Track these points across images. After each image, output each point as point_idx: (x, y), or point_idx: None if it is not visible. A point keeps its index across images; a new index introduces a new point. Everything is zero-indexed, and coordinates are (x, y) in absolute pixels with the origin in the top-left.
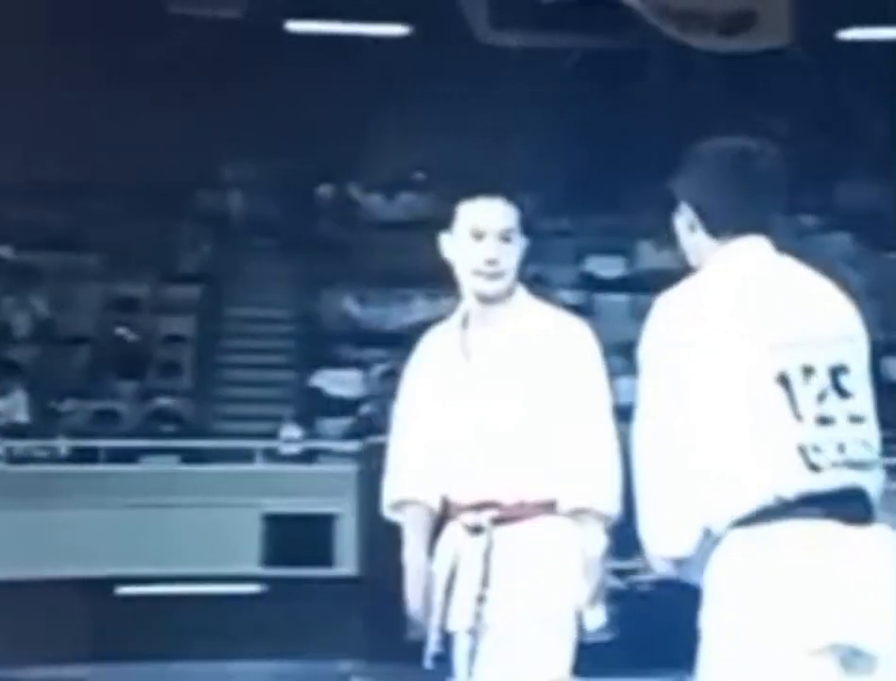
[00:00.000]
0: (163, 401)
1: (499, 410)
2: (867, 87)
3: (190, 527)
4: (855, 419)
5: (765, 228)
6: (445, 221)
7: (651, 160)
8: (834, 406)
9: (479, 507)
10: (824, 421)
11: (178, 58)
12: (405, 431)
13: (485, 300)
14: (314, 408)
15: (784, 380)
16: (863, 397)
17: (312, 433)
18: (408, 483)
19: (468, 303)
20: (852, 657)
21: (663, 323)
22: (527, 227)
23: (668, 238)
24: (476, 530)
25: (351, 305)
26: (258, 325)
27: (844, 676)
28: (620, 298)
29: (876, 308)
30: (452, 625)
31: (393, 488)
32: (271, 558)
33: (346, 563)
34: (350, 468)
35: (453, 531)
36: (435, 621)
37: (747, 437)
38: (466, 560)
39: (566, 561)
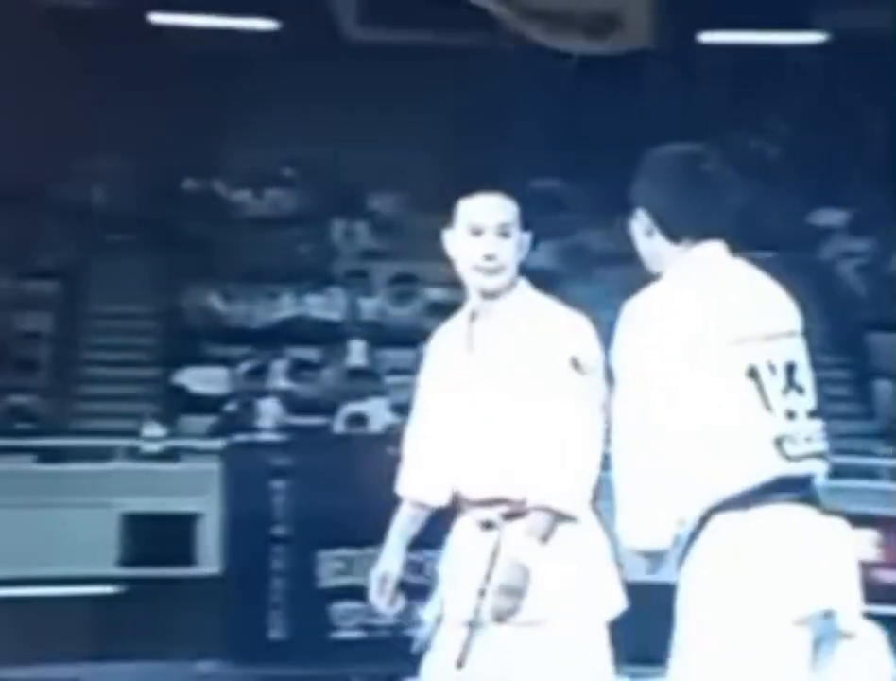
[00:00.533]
0: (18, 399)
1: (502, 404)
2: (726, 89)
3: (46, 528)
4: (812, 414)
5: (721, 232)
6: (314, 217)
7: (521, 157)
8: (794, 400)
9: (489, 503)
10: (790, 414)
11: (39, 49)
12: (414, 425)
13: (486, 294)
14: (176, 405)
15: (754, 374)
16: (811, 393)
17: (174, 431)
18: (405, 479)
19: (472, 298)
20: (824, 629)
21: (632, 326)
22: (526, 222)
23: (547, 237)
24: (487, 525)
25: (215, 302)
26: (119, 322)
27: (815, 649)
28: None
29: None
30: (449, 616)
31: (398, 482)
32: (131, 558)
33: (208, 562)
34: (213, 467)
35: (464, 526)
36: (434, 611)
37: (725, 429)
38: (474, 554)
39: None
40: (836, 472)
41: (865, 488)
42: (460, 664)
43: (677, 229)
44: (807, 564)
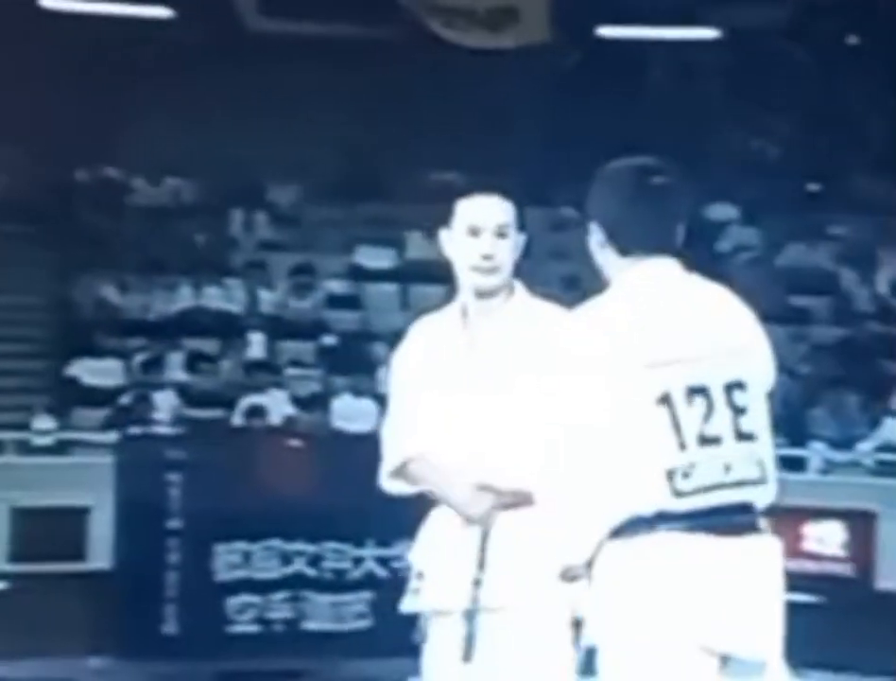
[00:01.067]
0: None
1: (500, 402)
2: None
3: None
4: (744, 436)
5: (672, 246)
6: (212, 208)
7: (421, 150)
8: (722, 424)
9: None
10: (708, 441)
11: None
12: (401, 419)
13: (482, 294)
14: (69, 398)
15: (666, 400)
16: (757, 413)
17: (66, 424)
18: (411, 444)
19: (464, 297)
20: (729, 660)
21: (566, 340)
22: (522, 223)
23: (436, 229)
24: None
25: (110, 293)
26: (10, 313)
27: (723, 675)
28: (389, 288)
29: None
30: (446, 606)
31: (396, 452)
32: (20, 553)
33: (99, 557)
34: (105, 460)
35: (444, 516)
36: (413, 604)
37: (618, 456)
38: (464, 543)
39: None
40: None
41: None
42: (467, 657)
43: (626, 242)
44: (698, 599)
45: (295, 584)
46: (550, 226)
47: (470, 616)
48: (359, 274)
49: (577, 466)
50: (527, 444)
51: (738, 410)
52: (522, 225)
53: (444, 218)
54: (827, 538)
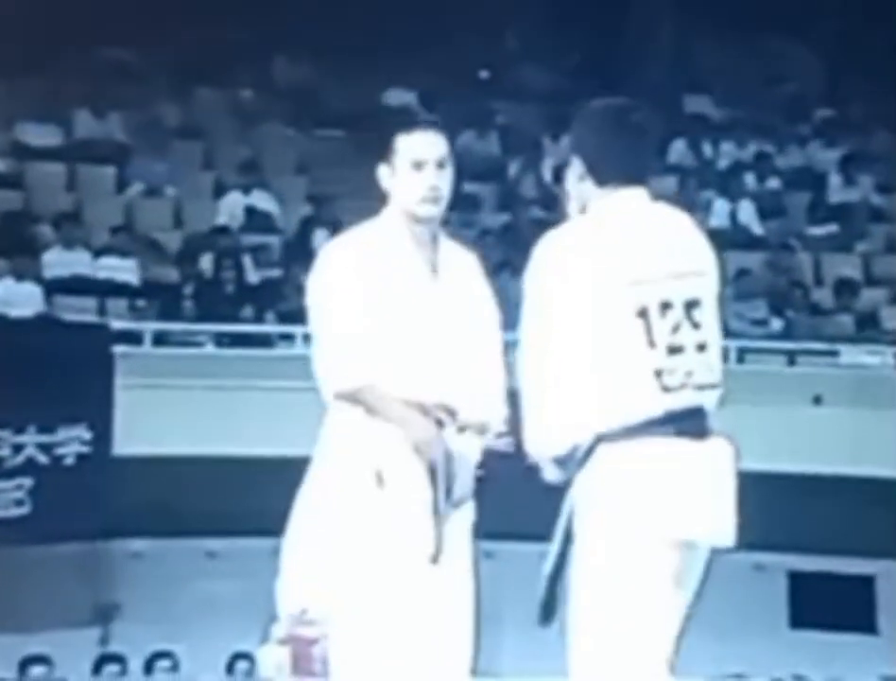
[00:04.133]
0: None
1: (463, 324)
2: None
3: None
4: (701, 347)
5: (644, 177)
6: None
7: (97, 27)
8: (685, 336)
9: (441, 409)
10: (675, 350)
11: None
12: (348, 334)
13: (423, 222)
14: None
15: (643, 313)
16: (710, 328)
17: None
18: (363, 371)
19: (400, 224)
20: (692, 545)
21: (542, 258)
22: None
23: (106, 107)
24: (438, 423)
25: None
26: None
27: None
28: (55, 168)
29: None
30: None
31: (346, 375)
32: None
33: None
34: None
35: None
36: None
37: (609, 364)
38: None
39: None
40: None
41: None
42: (435, 559)
43: (605, 174)
44: (675, 495)
45: None
46: None
47: (438, 518)
48: (23, 153)
49: (561, 371)
50: (491, 371)
51: (695, 325)
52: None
53: (113, 98)
54: None
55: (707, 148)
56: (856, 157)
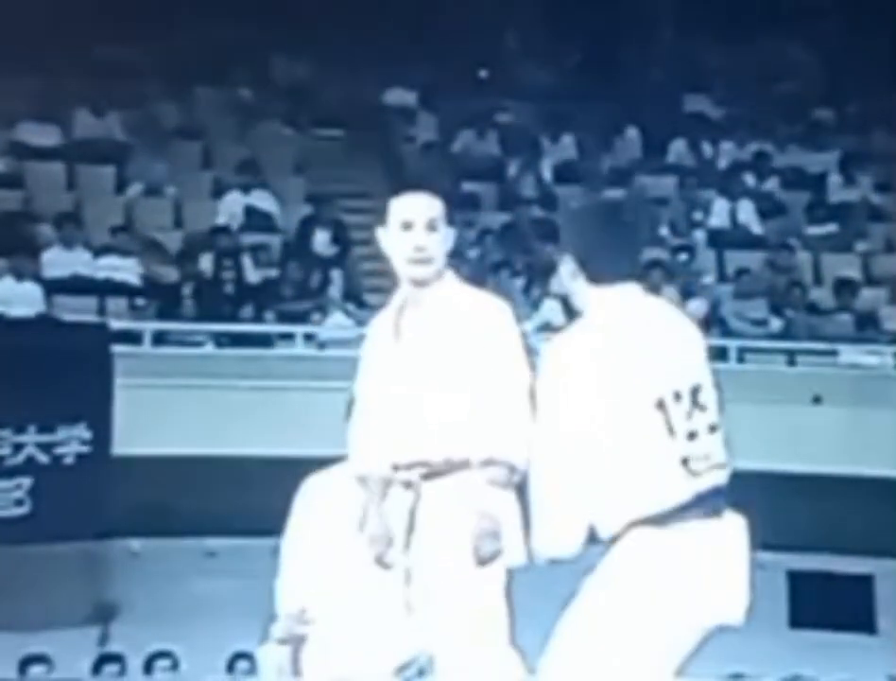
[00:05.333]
0: None
1: (427, 383)
2: None
3: None
4: (712, 428)
5: (636, 273)
6: None
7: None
8: (697, 421)
9: (412, 466)
10: (692, 435)
11: None
12: (359, 409)
13: (417, 284)
14: None
15: (661, 405)
16: (714, 407)
17: None
18: (370, 458)
19: (403, 289)
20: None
21: (553, 362)
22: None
23: (105, 106)
24: (408, 485)
25: None
26: None
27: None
28: (55, 168)
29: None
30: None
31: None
32: None
33: None
34: None
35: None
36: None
37: (637, 457)
38: (397, 512)
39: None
40: None
41: None
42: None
43: (597, 272)
44: (704, 581)
45: None
46: None
47: (407, 578)
48: (22, 152)
49: (581, 472)
50: (449, 418)
51: (702, 408)
52: (450, 220)
53: (113, 97)
54: None
55: (707, 148)
56: (856, 157)
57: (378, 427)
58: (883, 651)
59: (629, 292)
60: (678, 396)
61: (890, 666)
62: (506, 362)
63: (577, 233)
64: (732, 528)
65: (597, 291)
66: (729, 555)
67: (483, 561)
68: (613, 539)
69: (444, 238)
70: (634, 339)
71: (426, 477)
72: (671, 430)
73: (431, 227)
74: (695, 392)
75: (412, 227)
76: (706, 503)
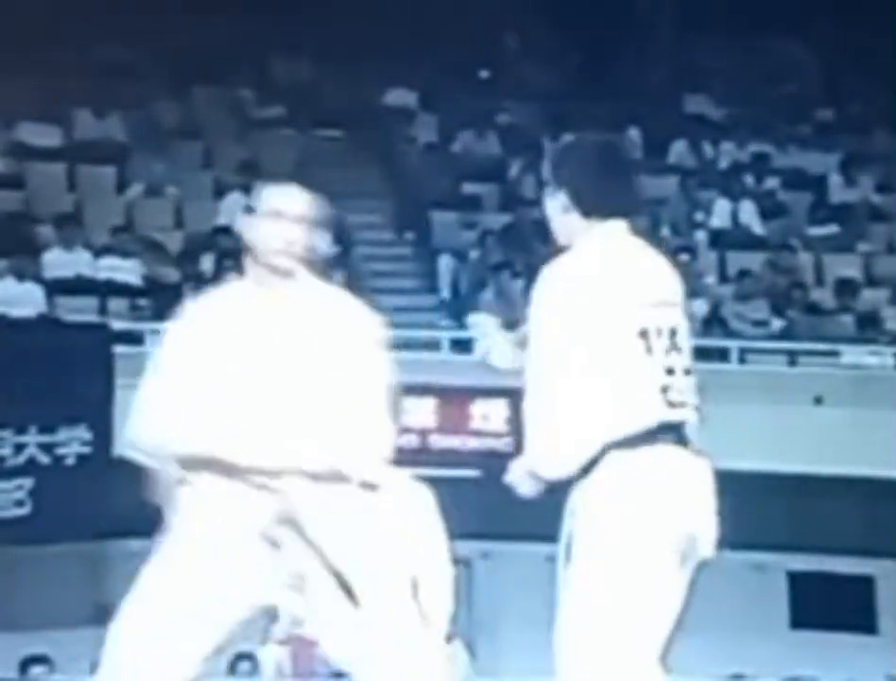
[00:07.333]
0: None
1: (290, 381)
2: None
3: None
4: (687, 372)
5: (626, 211)
6: None
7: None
8: (674, 359)
9: (270, 472)
10: (670, 371)
11: None
12: (172, 381)
13: (281, 274)
14: None
15: (644, 334)
16: (688, 354)
17: None
18: (174, 433)
19: (254, 277)
20: (688, 550)
21: (545, 287)
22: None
23: (106, 106)
24: (269, 492)
25: None
26: None
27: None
28: (56, 168)
29: None
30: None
31: (152, 433)
32: None
33: None
34: None
35: (239, 493)
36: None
37: (620, 380)
38: (259, 520)
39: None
40: (401, 345)
41: (426, 360)
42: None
43: (591, 207)
44: (680, 497)
45: None
46: None
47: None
48: (23, 152)
49: (574, 393)
50: (311, 422)
51: (679, 350)
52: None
53: (114, 97)
54: (492, 415)
55: (707, 149)
56: (857, 157)
57: (209, 412)
58: (883, 651)
59: (619, 227)
60: (659, 332)
61: (890, 666)
62: (368, 368)
63: (574, 166)
64: (701, 461)
65: (587, 224)
66: (703, 484)
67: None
68: (590, 463)
69: (317, 239)
70: (621, 271)
71: (290, 484)
72: (652, 359)
73: (303, 221)
74: (673, 333)
75: (284, 218)
76: (679, 433)
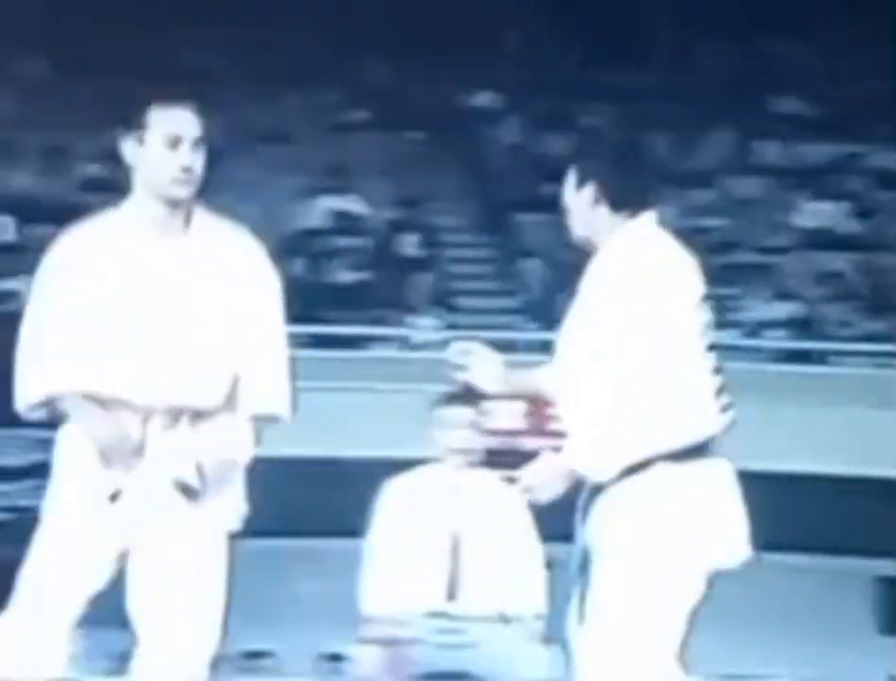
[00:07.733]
0: None
1: (188, 316)
2: None
3: None
4: (717, 370)
5: (652, 204)
6: None
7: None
8: (713, 358)
9: (168, 411)
10: (717, 370)
11: None
12: (52, 334)
13: (174, 204)
14: None
15: (701, 333)
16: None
17: None
18: (60, 378)
19: (144, 207)
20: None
21: (598, 280)
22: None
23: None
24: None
25: None
26: None
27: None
28: None
29: None
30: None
31: (38, 383)
32: None
33: None
34: None
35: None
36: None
37: (683, 381)
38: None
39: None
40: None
41: (514, 361)
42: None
43: (619, 201)
44: (719, 519)
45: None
46: None
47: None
48: (114, 159)
49: (630, 391)
50: (207, 359)
51: (710, 348)
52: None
53: (201, 100)
54: None
55: (798, 148)
56: None
57: (104, 350)
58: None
59: (650, 221)
60: (704, 329)
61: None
62: (267, 306)
63: (602, 161)
64: (726, 465)
65: (617, 219)
66: (734, 495)
67: (180, 487)
68: (633, 468)
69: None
70: (672, 265)
71: (173, 419)
72: (707, 360)
73: (198, 145)
74: (707, 329)
75: (180, 144)
76: (715, 441)
